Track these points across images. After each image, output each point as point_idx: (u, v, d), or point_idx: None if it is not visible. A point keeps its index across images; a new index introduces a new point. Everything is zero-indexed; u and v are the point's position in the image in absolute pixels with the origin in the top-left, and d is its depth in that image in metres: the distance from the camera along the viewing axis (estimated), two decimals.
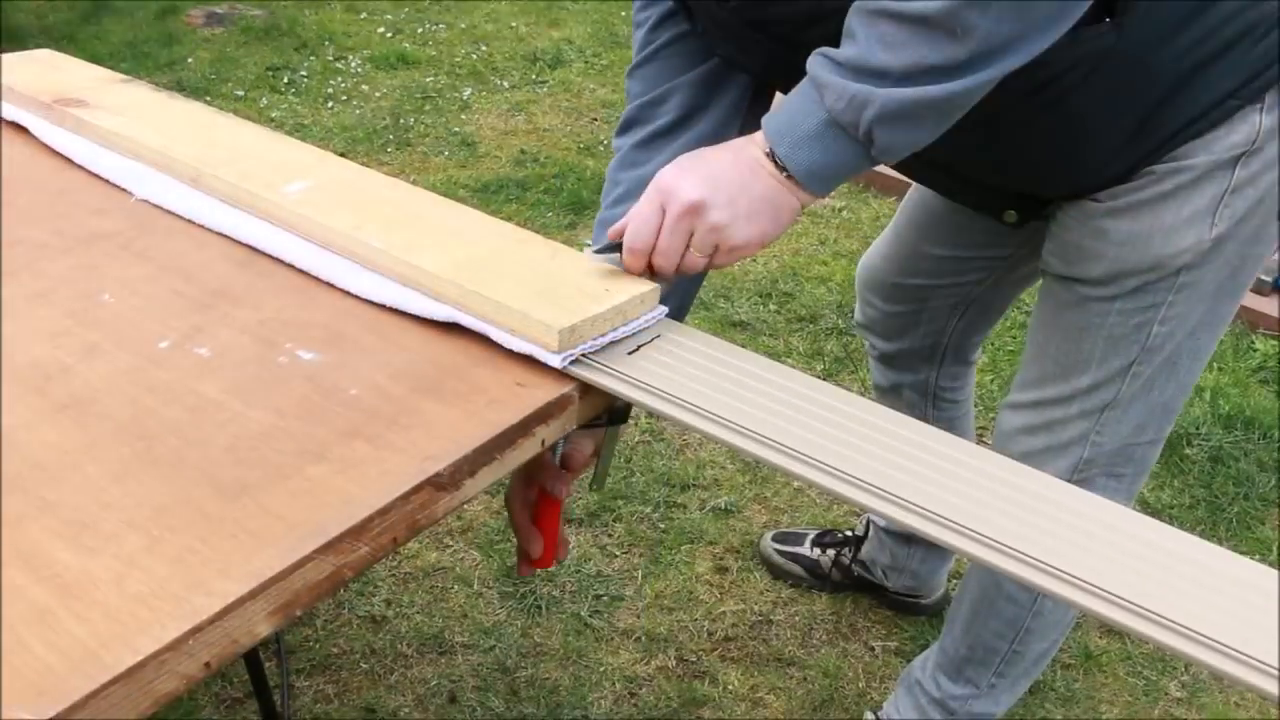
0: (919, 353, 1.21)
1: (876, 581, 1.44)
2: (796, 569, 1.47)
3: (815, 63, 0.66)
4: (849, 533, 1.48)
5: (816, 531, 1.50)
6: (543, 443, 0.63)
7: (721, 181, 0.68)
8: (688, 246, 0.69)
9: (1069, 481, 0.98)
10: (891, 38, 0.62)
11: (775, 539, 1.50)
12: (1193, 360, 0.89)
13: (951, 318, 1.17)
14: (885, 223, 2.42)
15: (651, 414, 0.63)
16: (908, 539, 1.38)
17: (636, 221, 0.69)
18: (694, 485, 1.64)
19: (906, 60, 0.62)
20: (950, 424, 1.28)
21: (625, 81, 0.90)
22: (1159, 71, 0.76)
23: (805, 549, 1.47)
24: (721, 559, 1.52)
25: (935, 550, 1.38)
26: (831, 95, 0.64)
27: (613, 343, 0.67)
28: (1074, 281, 0.88)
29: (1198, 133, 0.79)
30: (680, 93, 0.84)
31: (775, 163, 0.67)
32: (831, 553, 1.46)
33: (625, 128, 0.88)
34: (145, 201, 0.83)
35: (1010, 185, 0.90)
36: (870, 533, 1.43)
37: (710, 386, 0.63)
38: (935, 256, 1.11)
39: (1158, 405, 0.91)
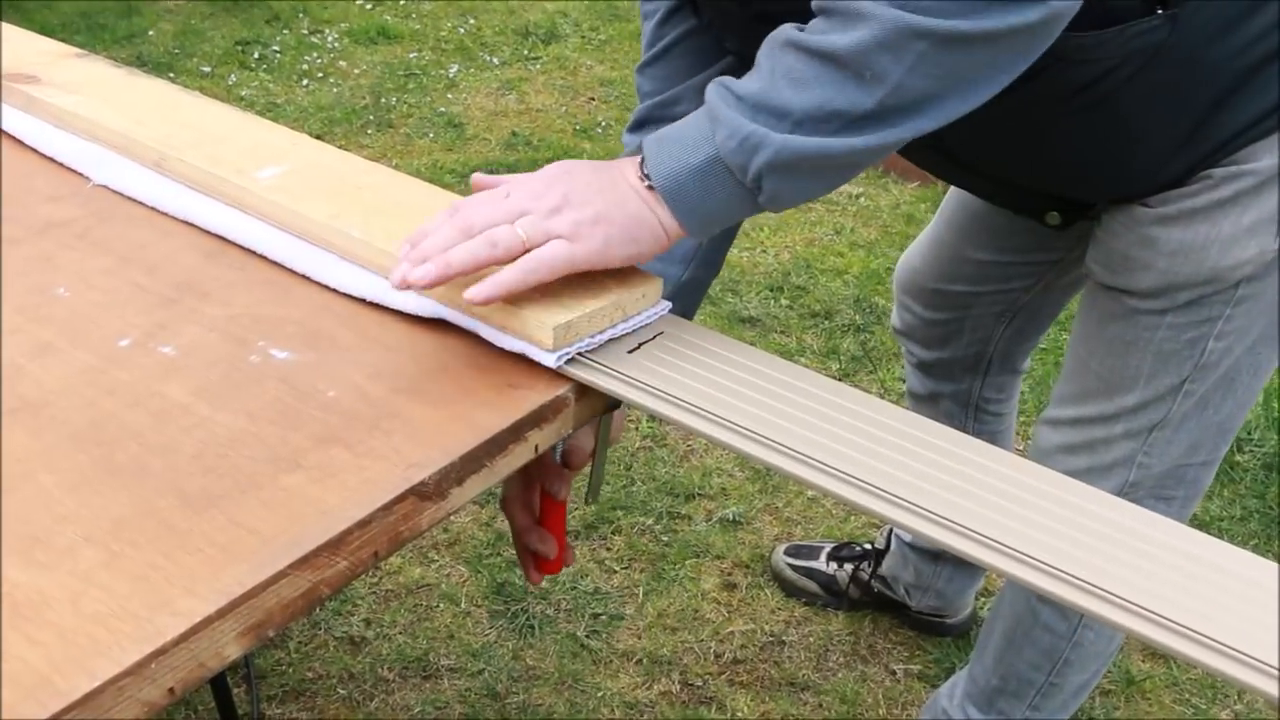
0: (961, 362, 1.21)
1: (898, 600, 1.44)
2: (811, 585, 1.47)
3: (714, 93, 0.64)
4: (868, 546, 1.48)
5: (833, 544, 1.50)
6: (536, 448, 0.63)
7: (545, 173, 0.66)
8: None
9: None
10: (798, 73, 0.60)
11: (788, 552, 1.50)
12: (1254, 376, 0.88)
13: (997, 326, 1.16)
14: (906, 210, 2.42)
15: (653, 417, 0.63)
16: (935, 555, 1.38)
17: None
18: (699, 494, 1.64)
19: (810, 101, 0.59)
20: (992, 438, 1.27)
21: (635, 77, 0.89)
22: (1215, 68, 0.75)
23: (821, 563, 1.47)
24: (729, 574, 1.52)
25: (963, 568, 1.38)
26: (724, 132, 0.62)
27: (611, 340, 0.67)
28: (1120, 292, 0.87)
29: (1263, 133, 0.78)
30: (694, 96, 0.84)
31: (644, 179, 0.65)
32: (849, 567, 1.46)
33: (637, 126, 0.88)
34: (104, 187, 0.83)
35: (1051, 191, 0.89)
36: (893, 547, 1.43)
37: (716, 388, 0.63)
38: (978, 261, 1.10)
39: (1213, 425, 0.91)
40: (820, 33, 0.60)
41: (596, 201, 0.64)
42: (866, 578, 1.45)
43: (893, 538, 1.44)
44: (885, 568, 1.44)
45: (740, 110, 0.62)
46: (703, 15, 0.81)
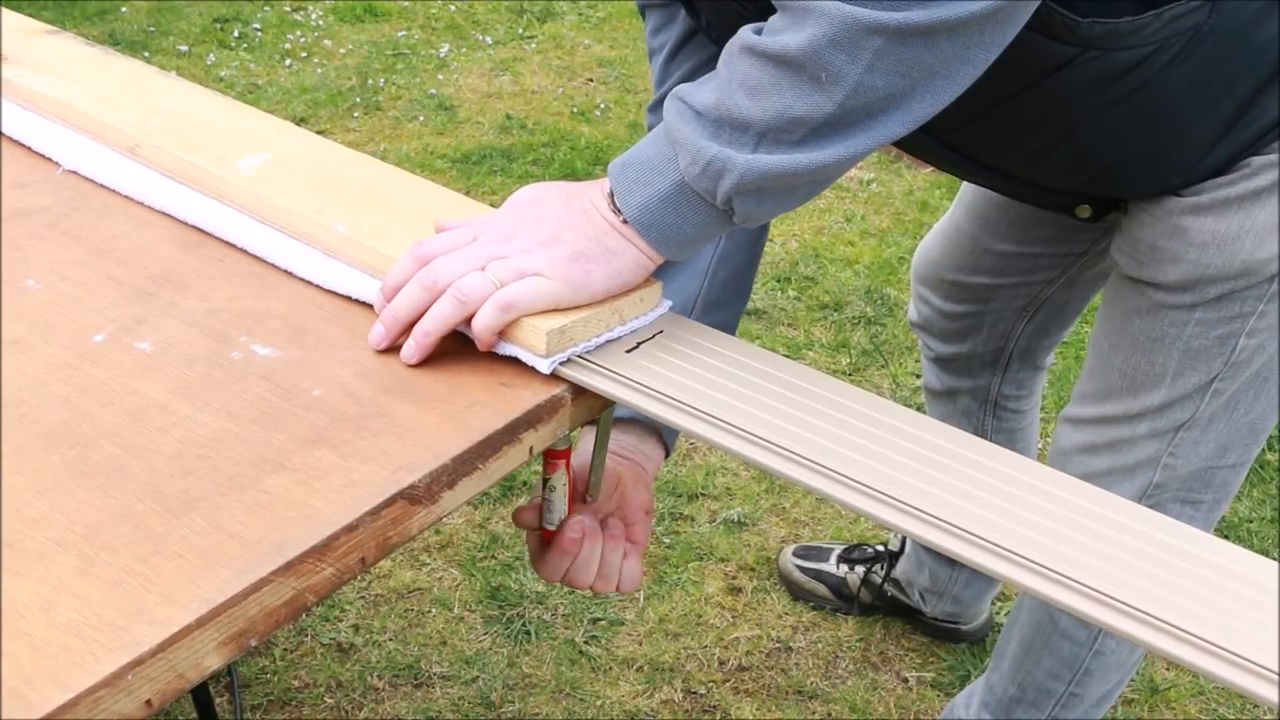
0: (981, 357, 1.21)
1: (912, 605, 1.44)
2: (820, 588, 1.47)
3: (672, 109, 0.63)
4: (880, 548, 1.48)
5: (843, 546, 1.50)
6: (531, 450, 0.63)
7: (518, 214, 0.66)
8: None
9: None
10: (754, 80, 0.59)
11: (796, 554, 1.50)
12: None
13: (1019, 321, 1.16)
14: (920, 197, 2.42)
15: (647, 414, 0.63)
16: (951, 560, 1.38)
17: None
18: (703, 495, 1.64)
19: (769, 110, 0.59)
20: (1011, 436, 1.27)
21: (646, 116, 0.89)
22: (1258, 51, 0.75)
23: (830, 565, 1.48)
24: (734, 578, 1.52)
25: (981, 573, 1.38)
26: (686, 157, 0.61)
27: (609, 340, 0.67)
28: (1146, 285, 0.87)
29: None
30: None
31: (617, 212, 0.65)
32: (860, 570, 1.46)
33: None
34: (74, 173, 0.83)
35: (1083, 190, 0.88)
36: (907, 550, 1.43)
37: (717, 389, 0.63)
38: (999, 252, 1.10)
39: (1244, 425, 0.90)
40: (774, 33, 0.59)
41: (570, 237, 0.64)
42: (879, 581, 1.45)
43: (907, 541, 1.44)
44: (899, 571, 1.44)
45: (700, 129, 0.61)
46: (711, 29, 0.80)
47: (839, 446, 0.59)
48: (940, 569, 1.39)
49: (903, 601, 1.44)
